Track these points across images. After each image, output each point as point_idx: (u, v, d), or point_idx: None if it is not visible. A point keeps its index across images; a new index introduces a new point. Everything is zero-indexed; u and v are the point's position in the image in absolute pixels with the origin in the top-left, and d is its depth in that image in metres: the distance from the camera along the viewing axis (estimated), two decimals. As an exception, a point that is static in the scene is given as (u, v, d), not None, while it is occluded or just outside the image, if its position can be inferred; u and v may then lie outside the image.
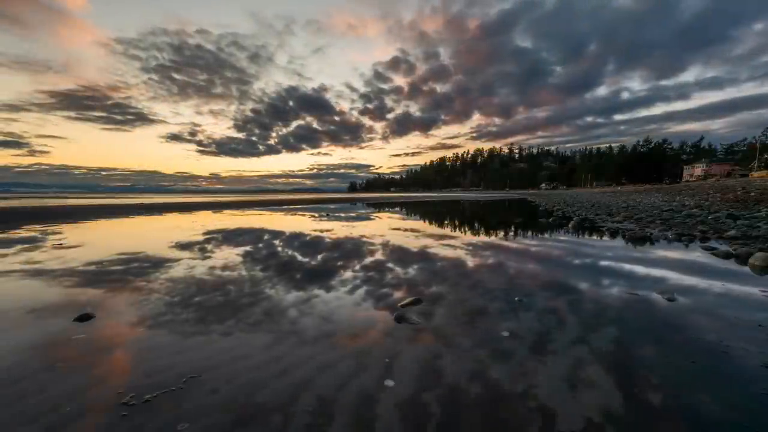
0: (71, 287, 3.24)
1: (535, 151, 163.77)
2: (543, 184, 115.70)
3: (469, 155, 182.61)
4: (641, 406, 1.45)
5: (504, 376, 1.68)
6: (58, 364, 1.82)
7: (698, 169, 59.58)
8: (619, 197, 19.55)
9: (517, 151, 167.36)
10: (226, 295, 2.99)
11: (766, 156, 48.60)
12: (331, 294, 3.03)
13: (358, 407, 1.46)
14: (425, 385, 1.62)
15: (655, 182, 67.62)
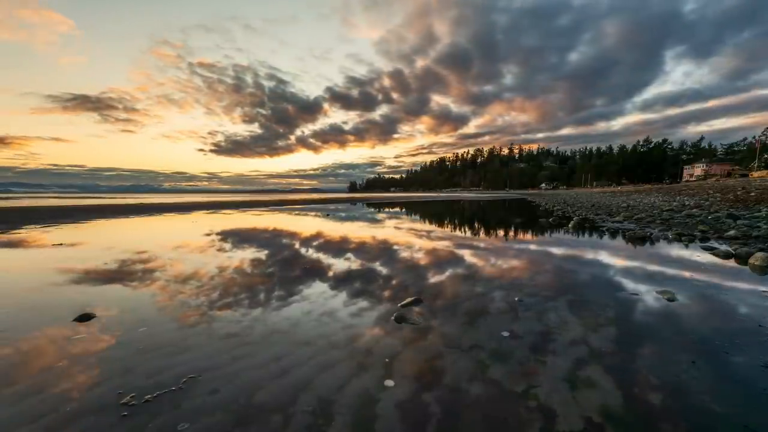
0: (71, 287, 3.24)
1: (535, 151, 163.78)
2: (543, 184, 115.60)
3: (469, 155, 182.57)
4: (641, 406, 1.45)
5: (504, 376, 1.68)
6: (58, 364, 1.82)
7: (698, 169, 59.51)
8: (619, 197, 19.56)
9: (517, 151, 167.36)
10: (224, 294, 2.99)
11: (766, 156, 48.56)
12: (330, 294, 3.03)
13: (358, 407, 1.46)
14: (425, 385, 1.62)
15: (655, 182, 67.59)
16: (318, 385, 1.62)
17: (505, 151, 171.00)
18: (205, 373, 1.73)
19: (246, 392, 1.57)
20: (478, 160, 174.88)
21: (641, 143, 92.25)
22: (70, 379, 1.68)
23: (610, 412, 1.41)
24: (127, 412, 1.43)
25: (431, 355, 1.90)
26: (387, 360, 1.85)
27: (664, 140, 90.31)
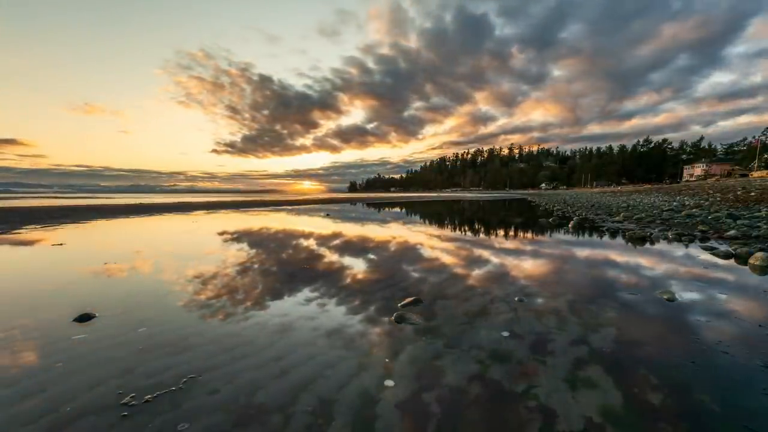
0: (71, 287, 3.24)
1: (535, 151, 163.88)
2: (543, 184, 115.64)
3: (469, 155, 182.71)
4: (641, 406, 1.45)
5: (504, 376, 1.68)
6: (58, 364, 1.82)
7: (698, 169, 59.47)
8: (619, 197, 19.55)
9: (517, 151, 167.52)
10: (224, 294, 2.99)
11: (766, 156, 48.54)
12: (329, 295, 3.03)
13: (358, 407, 1.46)
14: (425, 385, 1.62)
15: (655, 182, 67.58)
16: (318, 385, 1.62)
17: (505, 151, 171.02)
18: (205, 373, 1.73)
19: (246, 392, 1.57)
20: (478, 160, 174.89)
21: (641, 143, 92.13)
22: (70, 379, 1.68)
23: (610, 412, 1.41)
24: (127, 412, 1.43)
25: (431, 355, 1.90)
26: (387, 360, 1.85)
27: (664, 140, 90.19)
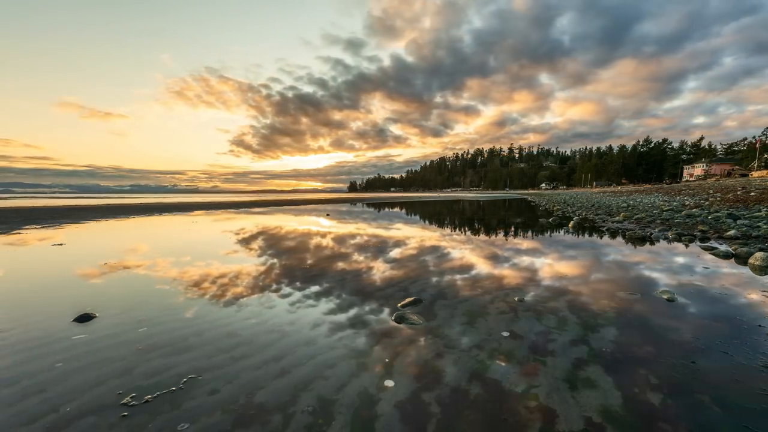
0: (71, 287, 3.24)
1: (535, 151, 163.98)
2: (543, 184, 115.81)
3: (469, 155, 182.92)
4: (641, 406, 1.45)
5: (504, 376, 1.68)
6: (58, 365, 1.82)
7: (698, 169, 59.42)
8: (619, 197, 19.54)
9: (517, 150, 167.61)
10: (223, 294, 2.99)
11: (766, 156, 48.50)
12: (330, 295, 3.03)
13: (358, 407, 1.46)
14: (425, 385, 1.62)
15: (655, 182, 67.58)
16: (318, 385, 1.62)
17: (505, 151, 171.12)
18: (205, 373, 1.73)
19: (246, 392, 1.57)
20: (478, 160, 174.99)
21: (641, 143, 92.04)
22: (70, 379, 1.68)
23: (610, 412, 1.41)
24: (127, 412, 1.43)
25: (431, 355, 1.90)
26: (387, 360, 1.85)
27: (664, 140, 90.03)
